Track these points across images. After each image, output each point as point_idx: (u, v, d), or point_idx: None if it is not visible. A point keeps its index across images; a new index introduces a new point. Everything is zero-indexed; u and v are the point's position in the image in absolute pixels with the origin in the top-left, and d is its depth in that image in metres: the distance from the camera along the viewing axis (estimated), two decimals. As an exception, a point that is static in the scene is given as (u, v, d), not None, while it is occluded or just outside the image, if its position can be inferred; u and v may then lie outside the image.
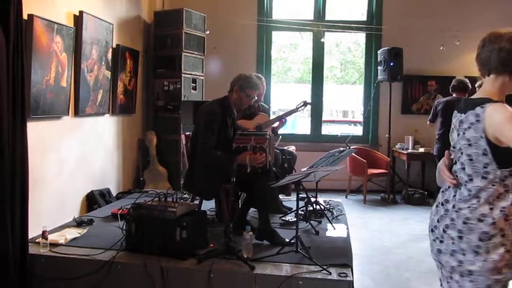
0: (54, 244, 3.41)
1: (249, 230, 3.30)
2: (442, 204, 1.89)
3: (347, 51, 13.26)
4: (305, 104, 4.89)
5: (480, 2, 6.79)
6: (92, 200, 4.82)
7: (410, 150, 6.58)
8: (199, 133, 3.63)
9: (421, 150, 6.55)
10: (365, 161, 6.43)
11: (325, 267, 3.09)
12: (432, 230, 1.92)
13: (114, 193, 5.33)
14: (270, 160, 3.66)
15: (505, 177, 1.73)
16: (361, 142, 7.19)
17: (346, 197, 6.73)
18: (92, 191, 4.87)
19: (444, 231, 1.82)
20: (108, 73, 5.12)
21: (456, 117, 1.88)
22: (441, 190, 1.96)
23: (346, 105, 14.79)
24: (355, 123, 10.84)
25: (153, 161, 6.03)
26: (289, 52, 12.49)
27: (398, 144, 6.88)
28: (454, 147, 1.88)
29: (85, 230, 3.82)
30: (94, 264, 3.17)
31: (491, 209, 1.72)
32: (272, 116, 5.47)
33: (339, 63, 13.49)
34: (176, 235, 3.19)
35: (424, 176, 6.97)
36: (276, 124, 4.78)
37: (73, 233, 3.70)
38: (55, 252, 3.31)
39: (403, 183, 6.82)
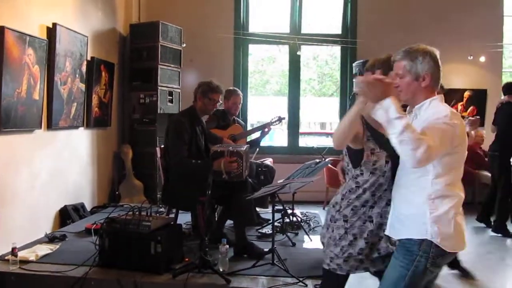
0: (24, 261, 3.33)
1: (225, 243, 3.28)
2: None
3: (324, 64, 13.44)
4: (279, 119, 4.95)
5: (451, 15, 6.96)
6: (66, 215, 4.72)
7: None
8: (170, 145, 3.62)
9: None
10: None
11: (301, 279, 3.10)
12: None
13: (88, 207, 5.24)
14: (246, 173, 3.65)
15: (357, 175, 2.18)
16: (338, 153, 7.23)
17: (323, 209, 6.74)
18: (65, 206, 4.77)
19: None
20: (82, 86, 5.06)
21: None
22: None
23: (323, 117, 14.94)
24: (331, 135, 10.94)
25: (129, 174, 5.96)
26: (267, 65, 12.59)
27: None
28: None
29: (57, 246, 3.74)
30: (66, 281, 3.10)
31: (342, 199, 2.25)
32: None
33: (316, 76, 13.66)
34: (151, 249, 3.15)
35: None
36: (257, 135, 4.80)
37: (45, 249, 3.62)
38: (25, 270, 3.23)
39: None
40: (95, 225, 4.17)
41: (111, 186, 5.97)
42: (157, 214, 4.05)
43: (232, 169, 3.40)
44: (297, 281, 3.09)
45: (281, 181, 3.96)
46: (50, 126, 4.48)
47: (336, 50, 8.42)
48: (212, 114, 4.49)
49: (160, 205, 5.03)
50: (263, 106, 11.55)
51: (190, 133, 3.63)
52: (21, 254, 3.39)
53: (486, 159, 6.15)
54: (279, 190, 3.38)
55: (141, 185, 5.98)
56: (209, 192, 3.24)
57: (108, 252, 3.26)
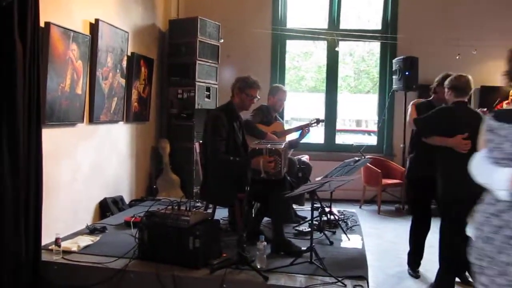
0: (67, 252, 3.41)
1: (263, 240, 3.26)
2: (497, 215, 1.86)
3: (360, 61, 13.22)
4: (317, 121, 4.92)
5: (496, 12, 6.70)
6: (105, 208, 4.81)
7: (425, 160, 6.48)
8: (207, 141, 3.62)
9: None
10: (379, 171, 6.35)
11: (340, 279, 3.04)
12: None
13: (127, 200, 5.33)
14: (285, 170, 3.61)
15: None
16: (376, 151, 7.11)
17: (360, 207, 6.64)
18: (105, 199, 4.87)
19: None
20: (122, 81, 5.14)
21: (506, 128, 1.90)
22: (490, 199, 1.91)
23: (359, 114, 14.70)
24: (369, 132, 10.75)
25: (166, 169, 6.03)
26: (302, 61, 12.48)
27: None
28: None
29: (98, 238, 3.81)
30: (106, 272, 3.15)
31: None
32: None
33: (353, 72, 13.45)
34: (189, 244, 3.17)
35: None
36: (296, 136, 4.78)
37: (86, 240, 3.69)
38: (68, 260, 3.30)
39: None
40: (134, 218, 4.23)
41: (149, 180, 6.06)
42: (194, 209, 4.07)
43: (270, 168, 3.36)
44: (336, 280, 3.03)
45: (319, 178, 3.91)
46: (91, 120, 4.57)
47: (374, 46, 8.26)
48: (258, 108, 4.49)
49: (197, 200, 5.06)
50: (298, 103, 11.46)
51: (227, 128, 3.61)
52: (64, 244, 3.47)
53: None
54: (319, 188, 3.32)
55: (178, 179, 6.04)
56: (248, 188, 3.23)
57: (147, 245, 3.29)
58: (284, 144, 3.62)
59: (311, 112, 11.61)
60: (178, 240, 3.20)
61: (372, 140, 8.26)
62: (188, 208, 3.35)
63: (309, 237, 3.99)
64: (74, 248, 3.48)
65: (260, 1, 7.07)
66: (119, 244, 3.66)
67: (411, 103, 4.00)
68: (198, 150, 3.84)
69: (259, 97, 3.95)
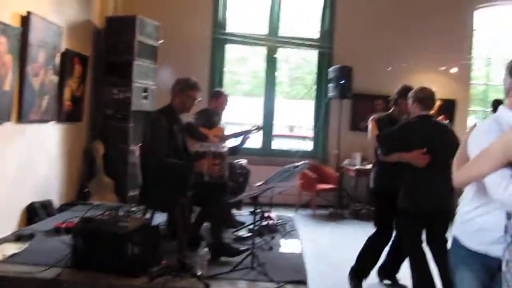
0: (-10, 261, 3.15)
1: (204, 246, 3.21)
2: None
3: (295, 67, 13.53)
4: (258, 128, 4.98)
5: (425, 27, 7.12)
6: (33, 213, 4.52)
7: (358, 167, 6.74)
8: (148, 144, 3.52)
9: (369, 166, 6.70)
10: (315, 176, 6.51)
11: (281, 284, 3.07)
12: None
13: (56, 205, 5.04)
14: (227, 175, 3.59)
15: None
16: (311, 157, 7.27)
17: (295, 212, 6.76)
18: (33, 203, 4.58)
19: None
20: (55, 78, 4.88)
21: None
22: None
23: (293, 120, 15.03)
24: (303, 138, 10.99)
25: (99, 171, 5.78)
26: (238, 66, 12.55)
27: (347, 160, 7.03)
28: None
29: (26, 246, 3.55)
30: (37, 283, 2.95)
31: None
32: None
33: (288, 79, 13.72)
34: (127, 251, 3.05)
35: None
36: (239, 141, 4.78)
37: (12, 248, 3.43)
38: (-9, 270, 3.06)
39: (351, 199, 6.96)
40: (65, 223, 4.02)
41: (80, 183, 5.77)
42: (131, 215, 3.94)
43: (214, 171, 3.33)
44: (277, 286, 3.05)
45: (260, 183, 3.93)
46: (20, 119, 4.28)
47: (308, 53, 8.47)
48: (201, 111, 4.43)
49: (133, 205, 4.90)
50: (234, 107, 11.49)
51: (168, 131, 3.53)
52: (-14, 253, 3.22)
53: None
54: (262, 193, 3.34)
55: (112, 183, 5.80)
56: (190, 192, 3.17)
57: (82, 253, 3.12)
58: (226, 147, 3.61)
59: (247, 117, 11.71)
60: (115, 247, 3.06)
61: (307, 146, 8.47)
62: (126, 214, 3.22)
63: (248, 243, 4.02)
64: (-1, 257, 3.24)
65: (201, 4, 7.01)
66: (49, 252, 3.44)
67: (371, 118, 3.80)
68: (137, 153, 3.72)
69: (200, 99, 3.91)
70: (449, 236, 2.97)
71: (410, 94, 3.40)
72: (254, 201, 3.44)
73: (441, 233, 3.40)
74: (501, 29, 7.76)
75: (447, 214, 3.20)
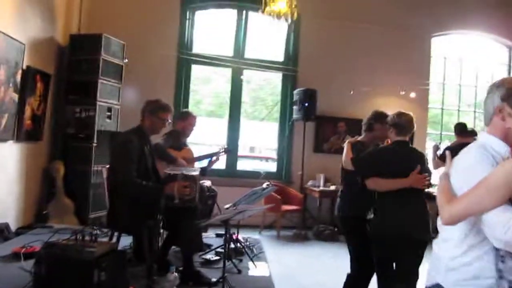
0: None
1: (173, 271, 3.16)
2: None
3: (257, 88, 13.68)
4: (226, 150, 4.99)
5: (386, 52, 7.41)
6: (-12, 236, 4.30)
7: (321, 188, 6.83)
8: (118, 165, 3.44)
9: (332, 187, 6.82)
10: (279, 197, 6.54)
11: (253, 309, 3.05)
12: None
13: (13, 228, 4.81)
14: (198, 198, 3.55)
15: None
16: (275, 178, 7.31)
17: (259, 233, 6.75)
18: (-12, 226, 4.36)
19: None
20: (15, 96, 4.71)
21: None
22: None
23: (254, 141, 15.11)
24: (266, 159, 11.05)
25: (59, 193, 5.57)
26: (201, 86, 12.55)
27: (310, 181, 7.11)
28: None
29: (-18, 272, 3.38)
30: (-5, 313, 2.80)
31: None
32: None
33: (249, 99, 13.84)
34: (94, 278, 2.94)
35: (334, 213, 7.25)
36: (206, 163, 4.75)
37: (-32, 275, 3.26)
38: None
39: (314, 220, 7.03)
40: (24, 248, 3.84)
41: (39, 205, 5.54)
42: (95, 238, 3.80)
43: (185, 194, 3.29)
44: (249, 311, 3.03)
45: (228, 206, 3.92)
46: (-23, 138, 4.10)
47: (271, 75, 8.61)
48: (169, 133, 4.37)
49: (95, 227, 4.75)
50: (197, 126, 11.45)
51: (139, 152, 3.48)
52: None
53: None
54: (233, 216, 3.33)
55: (72, 205, 5.61)
56: (160, 216, 3.12)
57: (45, 280, 2.99)
58: (197, 170, 3.58)
59: (210, 137, 11.67)
60: (81, 274, 2.95)
61: (270, 167, 8.51)
62: (93, 238, 3.12)
63: (216, 266, 3.99)
64: (-47, 285, 3.05)
65: (167, 24, 6.99)
66: (8, 279, 3.30)
67: (346, 141, 3.60)
68: (105, 175, 3.62)
69: (170, 121, 3.88)
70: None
71: (388, 119, 3.27)
72: (225, 224, 3.41)
73: (412, 266, 3.10)
74: (454, 56, 8.16)
75: (424, 244, 3.03)
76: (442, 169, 1.85)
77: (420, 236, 3.02)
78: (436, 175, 7.00)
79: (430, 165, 5.44)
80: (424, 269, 2.94)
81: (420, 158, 3.18)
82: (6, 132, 4.59)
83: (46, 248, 3.05)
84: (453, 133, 6.96)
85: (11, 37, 4.50)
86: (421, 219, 3.05)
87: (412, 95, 7.35)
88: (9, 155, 4.81)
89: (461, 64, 8.17)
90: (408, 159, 3.12)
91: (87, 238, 3.13)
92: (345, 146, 3.51)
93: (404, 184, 3.02)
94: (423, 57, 7.67)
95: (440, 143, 6.05)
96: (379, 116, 3.45)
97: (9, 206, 4.84)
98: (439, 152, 6.08)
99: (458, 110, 8.37)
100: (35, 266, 3.04)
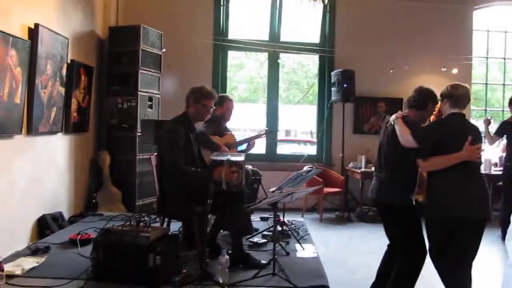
0: (10, 276, 3.13)
1: (224, 254, 3.21)
2: None
3: (291, 72, 13.59)
4: (266, 132, 5.00)
5: (425, 30, 7.20)
6: (44, 225, 4.49)
7: (363, 169, 6.76)
8: (165, 153, 3.51)
9: (374, 169, 6.73)
10: (321, 180, 6.52)
11: (304, 289, 3.08)
12: None
13: (66, 216, 5.01)
14: (244, 183, 3.59)
15: None
16: (315, 161, 7.28)
17: (302, 216, 6.76)
18: (44, 215, 4.54)
19: None
20: (62, 90, 4.86)
21: None
22: None
23: (290, 124, 15.08)
24: (304, 142, 11.01)
25: (106, 182, 5.75)
26: (234, 72, 12.58)
27: (351, 163, 7.05)
28: None
29: (43, 259, 3.55)
30: (60, 296, 2.94)
31: None
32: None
33: (283, 83, 13.77)
34: (149, 262, 3.04)
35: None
36: (244, 147, 4.77)
37: (30, 262, 3.43)
38: (12, 285, 3.03)
39: (356, 202, 6.98)
40: (80, 235, 4.00)
41: (88, 194, 5.74)
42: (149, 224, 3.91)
43: (232, 179, 3.32)
44: (301, 291, 3.06)
45: (274, 189, 3.94)
46: (30, 131, 4.26)
47: (304, 58, 8.53)
48: (210, 120, 4.41)
49: (143, 214, 4.88)
50: (234, 112, 11.50)
51: (185, 140, 3.53)
52: (6, 268, 3.19)
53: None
54: (282, 199, 3.35)
55: (119, 193, 5.78)
56: (210, 201, 3.17)
57: (103, 265, 3.12)
58: (243, 156, 3.61)
59: (246, 123, 11.71)
60: (137, 258, 3.06)
61: (310, 150, 8.48)
62: (147, 224, 3.21)
63: (264, 249, 4.03)
64: (18, 272, 3.22)
65: (202, 11, 7.02)
66: (68, 265, 3.44)
67: (396, 117, 3.17)
68: (153, 163, 3.70)
69: (214, 107, 3.91)
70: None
71: (442, 91, 3.08)
72: (273, 207, 3.44)
73: (472, 248, 2.93)
74: (498, 29, 7.83)
75: (484, 223, 2.88)
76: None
77: (481, 215, 2.87)
78: (490, 151, 6.64)
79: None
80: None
81: (474, 130, 2.97)
82: (55, 125, 4.76)
83: (103, 235, 3.17)
84: (498, 109, 6.75)
85: (56, 32, 4.62)
86: (480, 196, 2.89)
87: (454, 71, 7.12)
88: (58, 147, 4.99)
89: (505, 37, 7.84)
90: (467, 132, 2.90)
91: (141, 224, 3.23)
92: (397, 123, 3.09)
93: (459, 158, 2.85)
94: (464, 32, 7.40)
95: (491, 117, 5.85)
96: (433, 96, 3.19)
97: (61, 196, 5.03)
98: (492, 127, 5.94)
99: (504, 85, 8.07)
100: (93, 252, 3.16)
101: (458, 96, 2.98)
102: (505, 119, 6.35)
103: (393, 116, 3.18)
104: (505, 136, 5.78)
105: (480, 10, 7.54)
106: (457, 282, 2.87)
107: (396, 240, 3.19)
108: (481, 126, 4.30)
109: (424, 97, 3.19)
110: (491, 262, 4.85)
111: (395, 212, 3.11)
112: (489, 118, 5.78)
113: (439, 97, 3.14)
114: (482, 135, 5.97)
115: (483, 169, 6.86)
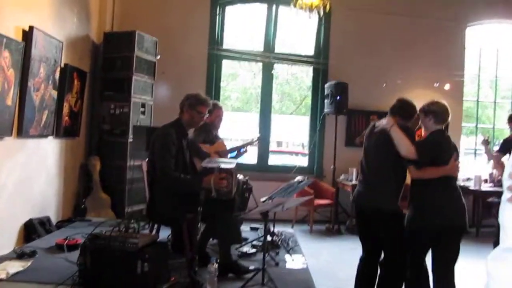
0: (-6, 279, 3.07)
1: (214, 262, 3.18)
2: None
3: (284, 83, 13.65)
4: (258, 139, 5.00)
5: (421, 44, 7.28)
6: (31, 229, 4.43)
7: (354, 181, 6.76)
8: (157, 158, 3.48)
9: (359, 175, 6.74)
10: (312, 191, 6.51)
11: (293, 300, 3.05)
12: None
13: (53, 221, 4.94)
14: (235, 191, 3.57)
15: None
16: (307, 172, 7.29)
17: (292, 227, 6.74)
18: (31, 219, 4.49)
19: None
20: (54, 93, 4.83)
21: None
22: None
23: (282, 136, 15.11)
24: (296, 153, 11.02)
25: (96, 187, 5.70)
26: (227, 81, 12.61)
27: (342, 175, 7.05)
28: None
29: (29, 263, 3.49)
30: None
31: None
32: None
33: (276, 94, 13.82)
34: (137, 268, 3.00)
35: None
36: (234, 154, 4.75)
37: (16, 266, 3.37)
38: (-4, 289, 2.98)
39: (347, 214, 6.97)
40: (67, 240, 3.94)
41: (77, 199, 5.68)
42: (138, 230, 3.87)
43: (222, 186, 3.30)
44: (290, 302, 3.03)
45: (264, 198, 3.92)
46: (20, 134, 4.22)
47: (298, 70, 8.56)
48: (200, 127, 4.37)
49: (132, 221, 4.83)
50: (226, 121, 11.50)
51: (177, 146, 3.51)
52: (-10, 271, 3.14)
53: None
54: (273, 208, 3.33)
55: (109, 199, 5.72)
56: (201, 208, 3.15)
57: (90, 270, 3.07)
58: (234, 163, 3.60)
59: (239, 132, 11.71)
60: (125, 264, 3.02)
61: (301, 161, 8.48)
62: (137, 230, 3.18)
63: (253, 259, 4.01)
64: (3, 276, 3.17)
65: (198, 19, 7.04)
66: (54, 269, 3.38)
67: (391, 125, 3.14)
68: (144, 169, 3.68)
69: (208, 115, 3.90)
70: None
71: (424, 106, 3.18)
72: (264, 217, 3.42)
73: (454, 253, 3.08)
74: (489, 47, 7.95)
75: (464, 230, 3.10)
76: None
77: (462, 223, 3.06)
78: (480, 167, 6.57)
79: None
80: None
81: (455, 147, 3.18)
82: (46, 128, 4.72)
83: (91, 240, 3.13)
84: (489, 126, 6.78)
85: (50, 36, 4.61)
86: (461, 206, 3.07)
87: (447, 87, 7.20)
88: (49, 151, 4.94)
89: (497, 55, 7.95)
90: (452, 148, 3.12)
91: (129, 230, 3.20)
92: (394, 131, 3.08)
93: (446, 171, 3.03)
94: (457, 48, 7.49)
95: (488, 137, 5.90)
96: (416, 109, 3.29)
97: (49, 200, 4.97)
98: (493, 145, 5.98)
99: (494, 102, 8.16)
100: (80, 257, 3.12)
101: (442, 112, 3.11)
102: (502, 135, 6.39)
103: (386, 123, 3.19)
104: (507, 154, 5.81)
105: (472, 27, 7.65)
106: (449, 282, 3.05)
107: (383, 247, 3.24)
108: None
109: (412, 108, 3.29)
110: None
111: (387, 218, 3.15)
112: (487, 138, 5.84)
113: (421, 111, 3.22)
114: (483, 153, 6.07)
115: (472, 186, 6.93)
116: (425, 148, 3.07)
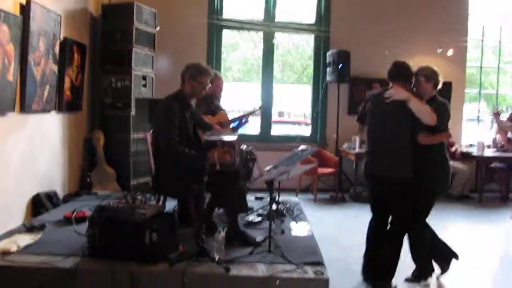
0: (5, 253, 3.12)
1: (221, 231, 3.22)
2: None
3: (286, 53, 13.52)
4: (260, 108, 4.97)
5: (423, 10, 7.16)
6: (39, 204, 4.47)
7: (357, 150, 6.78)
8: (161, 131, 3.48)
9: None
10: (315, 160, 6.53)
11: (300, 265, 3.10)
12: None
13: (60, 195, 4.99)
14: (238, 161, 3.58)
15: None
16: (310, 142, 7.28)
17: (296, 196, 6.79)
18: (38, 194, 4.53)
19: None
20: (55, 68, 4.80)
21: None
22: None
23: (284, 106, 15.05)
24: (299, 123, 11.01)
25: (101, 161, 5.72)
26: (228, 52, 12.48)
27: (345, 144, 7.07)
28: None
29: (39, 236, 3.54)
30: (55, 273, 2.95)
31: None
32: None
33: (277, 64, 13.70)
34: (146, 238, 3.04)
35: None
36: (236, 124, 4.75)
37: (26, 239, 3.41)
38: (8, 261, 3.03)
39: (350, 182, 7.02)
40: (75, 213, 3.99)
41: (82, 173, 5.72)
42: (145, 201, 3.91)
43: (225, 159, 3.31)
44: (296, 267, 3.08)
45: (269, 167, 3.94)
46: (23, 110, 4.21)
47: (299, 39, 8.45)
48: (202, 98, 4.34)
49: (138, 193, 4.88)
50: (227, 92, 11.43)
51: (180, 118, 3.50)
52: (1, 245, 3.19)
53: None
54: (279, 176, 3.36)
55: (113, 172, 5.76)
56: (206, 179, 3.17)
57: (99, 242, 3.12)
58: (236, 135, 3.60)
59: (241, 103, 11.66)
60: (133, 235, 3.06)
61: (304, 131, 8.48)
62: (144, 201, 3.21)
63: (259, 227, 4.06)
64: (14, 249, 3.20)
65: (197, -11, 6.93)
66: (63, 242, 3.43)
67: (407, 96, 3.21)
68: (149, 141, 3.68)
69: (210, 84, 3.87)
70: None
71: (427, 72, 3.31)
72: (269, 185, 3.44)
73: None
74: (493, 12, 7.83)
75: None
76: None
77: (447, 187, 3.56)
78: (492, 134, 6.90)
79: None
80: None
81: None
82: (48, 103, 4.70)
83: (98, 212, 3.16)
84: (492, 92, 6.75)
85: (48, 9, 4.54)
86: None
87: (450, 52, 7.12)
88: (52, 126, 4.94)
89: (500, 20, 7.82)
90: None
91: (136, 201, 3.23)
92: (412, 101, 3.17)
93: (450, 135, 3.41)
94: (460, 13, 7.37)
95: (499, 108, 5.93)
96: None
97: (55, 175, 5.01)
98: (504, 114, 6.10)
99: (498, 68, 8.08)
100: (88, 229, 3.16)
101: (438, 76, 3.33)
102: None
103: (400, 95, 3.23)
104: None
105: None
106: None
107: (395, 214, 3.49)
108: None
109: (409, 69, 3.38)
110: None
111: (404, 186, 3.34)
112: (498, 109, 5.88)
113: (424, 77, 3.35)
114: (494, 124, 6.22)
115: (475, 151, 6.94)
116: (444, 114, 3.26)
